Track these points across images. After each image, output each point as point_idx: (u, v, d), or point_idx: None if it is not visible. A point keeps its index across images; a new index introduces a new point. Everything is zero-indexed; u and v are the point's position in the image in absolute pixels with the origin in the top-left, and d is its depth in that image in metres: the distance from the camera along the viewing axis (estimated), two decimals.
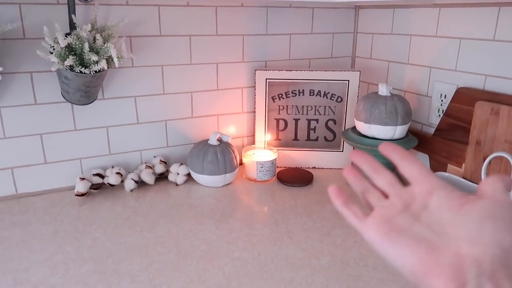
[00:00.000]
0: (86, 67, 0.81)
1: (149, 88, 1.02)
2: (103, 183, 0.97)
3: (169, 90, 1.04)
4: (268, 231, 0.81)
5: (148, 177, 1.00)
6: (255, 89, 1.11)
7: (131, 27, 0.95)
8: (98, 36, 0.81)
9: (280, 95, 1.12)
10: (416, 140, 1.00)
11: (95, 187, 0.96)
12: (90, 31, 0.83)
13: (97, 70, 0.81)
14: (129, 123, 1.02)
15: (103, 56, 0.81)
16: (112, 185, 0.97)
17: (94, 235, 0.79)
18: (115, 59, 0.81)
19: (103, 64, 0.80)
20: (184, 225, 0.83)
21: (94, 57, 0.79)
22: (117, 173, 0.97)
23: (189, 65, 1.05)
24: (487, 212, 0.28)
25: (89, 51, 0.79)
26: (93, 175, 0.96)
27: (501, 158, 0.82)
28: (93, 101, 0.91)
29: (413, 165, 0.34)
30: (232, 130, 1.15)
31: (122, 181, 0.98)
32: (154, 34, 0.99)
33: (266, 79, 1.10)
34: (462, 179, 0.90)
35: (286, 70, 1.10)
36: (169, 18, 0.99)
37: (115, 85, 0.98)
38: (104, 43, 0.81)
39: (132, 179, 0.97)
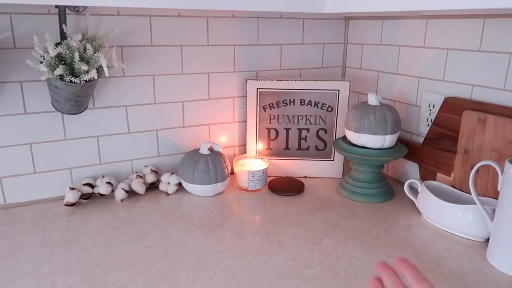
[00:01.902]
0: (76, 76, 0.81)
1: (140, 97, 1.02)
2: (93, 193, 0.97)
3: (160, 99, 1.05)
4: (258, 240, 0.81)
5: (138, 187, 1.00)
6: (246, 98, 1.12)
7: (122, 37, 0.96)
8: (88, 45, 0.82)
9: (271, 105, 1.12)
10: (406, 149, 1.01)
11: (85, 197, 0.96)
12: (81, 41, 0.83)
13: (87, 80, 0.81)
14: (120, 133, 1.02)
15: (93, 65, 0.81)
16: (102, 195, 0.96)
17: (83, 245, 0.78)
18: (105, 69, 0.81)
19: (93, 74, 0.80)
20: (174, 235, 0.83)
21: (84, 67, 0.79)
22: (108, 182, 0.97)
23: (181, 75, 1.05)
24: None
25: (79, 61, 0.79)
26: (83, 184, 0.96)
27: (489, 166, 0.83)
28: (83, 111, 0.91)
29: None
30: (223, 140, 1.16)
31: (113, 191, 0.98)
32: (145, 44, 0.99)
33: (257, 88, 1.11)
34: (451, 188, 0.91)
35: (277, 80, 1.11)
36: (160, 28, 1.00)
37: (106, 94, 0.98)
38: (95, 53, 0.82)
39: (122, 188, 0.97)
